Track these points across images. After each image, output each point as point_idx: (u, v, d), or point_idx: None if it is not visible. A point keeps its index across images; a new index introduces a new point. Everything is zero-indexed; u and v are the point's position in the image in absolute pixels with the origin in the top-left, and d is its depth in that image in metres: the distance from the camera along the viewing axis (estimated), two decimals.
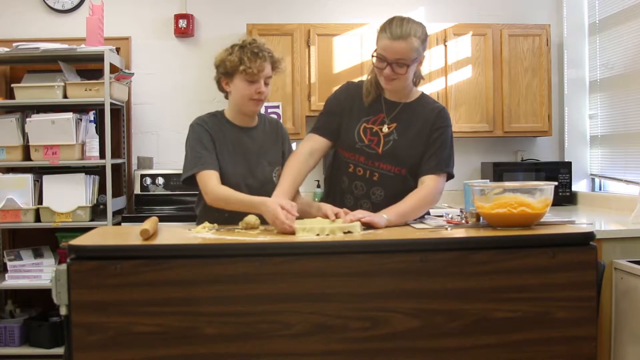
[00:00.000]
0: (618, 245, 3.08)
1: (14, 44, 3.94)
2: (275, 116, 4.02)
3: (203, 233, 2.09)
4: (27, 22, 4.59)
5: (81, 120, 3.99)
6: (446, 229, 2.10)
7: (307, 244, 1.91)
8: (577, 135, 4.75)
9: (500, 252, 1.88)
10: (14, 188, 3.91)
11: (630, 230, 3.16)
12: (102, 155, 3.98)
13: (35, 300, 4.27)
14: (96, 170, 4.12)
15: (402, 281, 1.85)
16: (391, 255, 1.86)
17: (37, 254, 4.05)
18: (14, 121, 3.94)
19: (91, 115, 4.11)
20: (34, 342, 4.02)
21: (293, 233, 2.02)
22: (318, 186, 4.54)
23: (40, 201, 3.96)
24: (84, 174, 4.02)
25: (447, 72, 4.47)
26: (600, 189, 4.67)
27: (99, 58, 3.94)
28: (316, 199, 2.57)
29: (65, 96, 3.94)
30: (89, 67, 4.34)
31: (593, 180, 4.72)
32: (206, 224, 2.20)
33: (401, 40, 2.24)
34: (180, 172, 2.44)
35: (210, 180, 2.31)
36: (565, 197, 4.49)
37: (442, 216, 2.37)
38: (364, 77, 2.54)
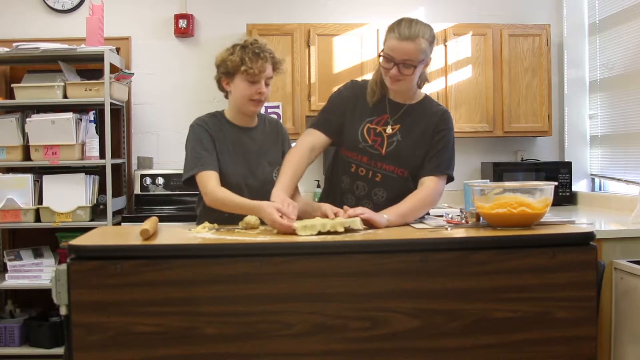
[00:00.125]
0: (618, 245, 3.08)
1: (14, 44, 3.94)
2: (275, 116, 4.02)
3: (203, 233, 2.09)
4: (27, 22, 4.59)
5: (81, 120, 3.99)
6: (446, 229, 2.10)
7: (307, 244, 1.91)
8: (577, 135, 4.75)
9: (500, 252, 1.88)
10: (14, 188, 3.91)
11: (630, 230, 3.16)
12: (102, 155, 3.98)
13: (35, 300, 4.27)
14: (96, 170, 4.12)
15: (402, 281, 1.85)
16: (391, 255, 1.86)
17: (37, 254, 4.05)
18: (14, 121, 3.94)
19: (91, 115, 4.11)
20: (34, 342, 4.02)
21: (294, 232, 2.02)
22: (318, 186, 4.54)
23: (40, 201, 3.96)
24: (84, 174, 4.02)
25: (447, 72, 4.47)
26: (600, 189, 4.67)
27: (99, 58, 3.95)
28: (316, 199, 2.57)
29: (65, 96, 3.94)
30: (89, 67, 4.34)
31: (593, 180, 4.72)
32: (206, 224, 2.20)
33: (409, 41, 2.24)
34: (181, 172, 2.44)
35: (209, 182, 2.31)
36: (565, 197, 4.49)
37: (442, 216, 2.37)
38: (364, 77, 2.53)
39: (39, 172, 4.08)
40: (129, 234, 2.14)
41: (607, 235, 3.09)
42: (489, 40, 4.51)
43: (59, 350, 3.90)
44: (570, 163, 4.58)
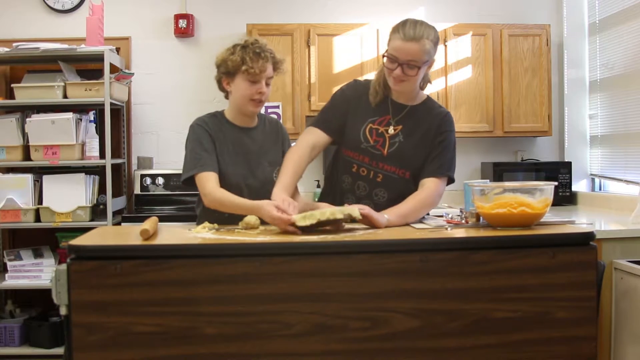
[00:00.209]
0: (618, 245, 3.08)
1: (14, 44, 3.94)
2: (275, 116, 4.02)
3: (203, 233, 2.09)
4: (27, 22, 4.59)
5: (81, 120, 3.99)
6: (446, 229, 2.10)
7: (307, 244, 1.91)
8: (577, 135, 4.75)
9: (500, 252, 1.88)
10: (14, 188, 3.91)
11: (630, 230, 3.16)
12: (102, 155, 3.98)
13: (35, 300, 4.27)
14: (96, 170, 4.12)
15: (402, 281, 1.85)
16: (391, 255, 1.86)
17: (37, 254, 4.05)
18: (14, 121, 3.94)
19: (91, 115, 4.11)
20: (34, 342, 4.02)
21: (294, 224, 2.02)
22: (318, 186, 4.54)
23: (40, 201, 3.96)
24: (84, 174, 4.02)
25: (447, 72, 4.47)
26: (600, 189, 4.67)
27: (99, 58, 3.94)
28: (316, 199, 2.57)
29: (65, 96, 3.94)
30: (89, 67, 4.34)
31: (593, 180, 4.72)
32: (206, 224, 2.20)
33: (414, 41, 2.24)
34: (180, 172, 2.44)
35: (208, 183, 2.31)
36: (565, 197, 4.49)
37: (442, 216, 2.37)
38: (364, 77, 2.53)
39: (39, 172, 4.07)
40: (129, 234, 2.14)
41: (607, 235, 3.09)
42: (489, 40, 4.51)
43: (59, 350, 3.90)
44: (570, 163, 4.58)
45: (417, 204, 2.31)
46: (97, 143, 4.00)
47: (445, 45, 4.46)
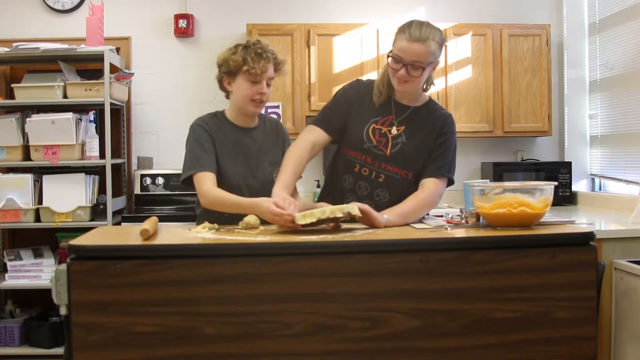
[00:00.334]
0: (618, 245, 3.08)
1: (14, 44, 3.94)
2: (275, 116, 4.02)
3: (203, 233, 2.09)
4: (27, 22, 4.59)
5: (81, 120, 4.00)
6: (446, 229, 2.10)
7: (307, 244, 1.91)
8: (577, 135, 4.75)
9: (500, 252, 1.88)
10: (14, 188, 3.91)
11: (630, 230, 3.16)
12: (102, 155, 3.98)
13: (35, 300, 4.27)
14: (96, 170, 4.12)
15: (402, 281, 1.85)
16: (391, 255, 1.86)
17: (37, 254, 4.05)
18: (14, 121, 3.94)
19: (91, 115, 4.11)
20: (34, 342, 4.02)
21: (294, 221, 2.02)
22: (318, 186, 4.54)
23: (40, 201, 3.96)
24: (84, 174, 4.02)
25: (447, 72, 4.47)
26: (600, 189, 4.67)
27: (99, 58, 3.94)
28: (316, 199, 2.57)
29: (65, 96, 3.94)
30: (89, 67, 4.34)
31: (593, 180, 4.72)
32: (206, 224, 2.20)
33: (419, 42, 2.24)
34: (180, 172, 2.44)
35: (205, 183, 2.31)
36: (565, 197, 4.49)
37: (442, 216, 2.37)
38: (364, 77, 2.53)
39: (39, 172, 4.08)
40: (129, 234, 2.14)
41: (607, 235, 3.09)
42: (489, 40, 4.51)
43: (59, 350, 3.90)
44: (570, 163, 4.58)
45: (417, 204, 2.31)
46: (97, 143, 4.00)
47: (445, 45, 4.41)
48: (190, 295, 1.79)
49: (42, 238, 4.19)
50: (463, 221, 2.19)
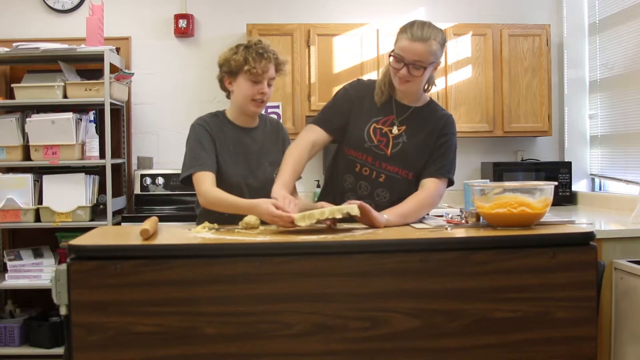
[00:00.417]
0: (618, 245, 3.08)
1: (14, 44, 3.94)
2: (275, 116, 4.02)
3: (203, 233, 2.09)
4: (27, 22, 4.59)
5: (81, 120, 3.99)
6: (446, 229, 2.10)
7: (307, 244, 1.91)
8: (577, 135, 4.75)
9: (500, 252, 1.88)
10: (14, 188, 3.91)
11: (630, 230, 3.16)
12: (102, 155, 3.98)
13: (35, 300, 4.27)
14: (96, 170, 4.12)
15: (402, 281, 1.85)
16: (391, 255, 1.86)
17: (37, 254, 4.05)
18: (14, 121, 3.94)
19: (91, 115, 4.11)
20: (34, 342, 4.02)
21: (293, 223, 2.02)
22: (318, 186, 4.54)
23: (40, 201, 3.96)
24: (84, 174, 4.02)
25: (447, 72, 4.47)
26: (600, 189, 4.67)
27: (99, 58, 3.94)
28: (316, 199, 2.57)
29: (65, 96, 3.94)
30: (89, 67, 4.34)
31: (593, 180, 4.72)
32: (206, 224, 2.20)
33: (421, 42, 2.24)
34: (180, 172, 2.44)
35: (204, 182, 2.31)
36: (565, 197, 4.49)
37: (442, 216, 2.37)
38: (364, 77, 2.53)
39: (39, 172, 4.07)
40: (129, 234, 2.14)
41: (607, 235, 3.09)
42: (489, 40, 4.51)
43: (59, 350, 3.90)
44: (570, 163, 4.58)
45: (417, 204, 2.31)
46: (97, 143, 4.00)
47: (445, 46, 4.45)
48: (190, 295, 1.79)
49: (42, 238, 4.19)
50: (463, 221, 2.19)
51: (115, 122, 4.41)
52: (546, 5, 4.82)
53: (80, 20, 4.34)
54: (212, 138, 2.40)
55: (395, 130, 2.40)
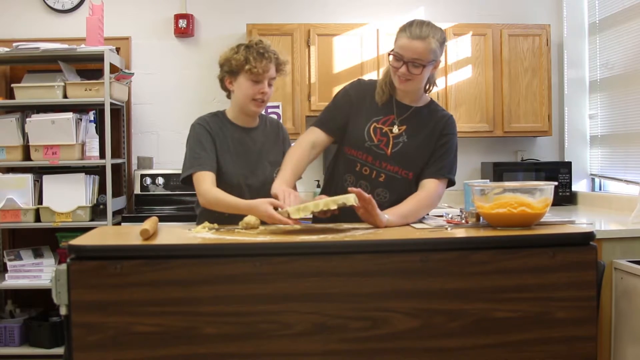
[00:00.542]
0: (618, 245, 3.08)
1: (14, 44, 3.94)
2: (275, 116, 4.02)
3: (203, 233, 2.09)
4: (27, 22, 4.59)
5: (81, 120, 4.00)
6: (446, 229, 2.10)
7: (307, 244, 1.91)
8: (577, 135, 4.75)
9: (500, 252, 1.88)
10: (14, 188, 3.91)
11: (630, 230, 3.16)
12: (102, 155, 3.98)
13: (35, 300, 4.27)
14: (96, 170, 4.12)
15: (402, 281, 1.85)
16: (391, 255, 1.86)
17: (37, 254, 4.05)
18: (14, 121, 3.94)
19: (91, 115, 4.11)
20: (34, 342, 4.02)
21: (288, 216, 2.03)
22: (318, 186, 4.54)
23: (40, 201, 3.96)
24: (84, 174, 4.02)
25: (447, 72, 4.47)
26: (600, 189, 4.67)
27: (99, 58, 3.95)
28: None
29: (65, 96, 3.94)
30: (89, 67, 4.35)
31: (593, 180, 4.72)
32: (206, 224, 2.20)
33: (420, 40, 2.24)
34: (180, 172, 2.44)
35: (204, 182, 2.31)
36: (565, 197, 4.49)
37: (442, 216, 2.37)
38: (365, 77, 2.53)
39: (39, 172, 4.08)
40: (129, 234, 2.14)
41: (607, 235, 3.09)
42: (489, 40, 4.51)
43: (59, 350, 3.90)
44: (570, 163, 4.58)
45: (417, 204, 2.31)
46: (97, 143, 4.00)
47: (445, 45, 4.45)
48: (190, 295, 1.79)
49: (42, 238, 4.19)
50: (463, 221, 2.19)
51: (115, 122, 4.41)
52: (546, 5, 4.82)
53: (80, 20, 4.34)
54: (212, 138, 2.40)
55: (395, 129, 2.40)
